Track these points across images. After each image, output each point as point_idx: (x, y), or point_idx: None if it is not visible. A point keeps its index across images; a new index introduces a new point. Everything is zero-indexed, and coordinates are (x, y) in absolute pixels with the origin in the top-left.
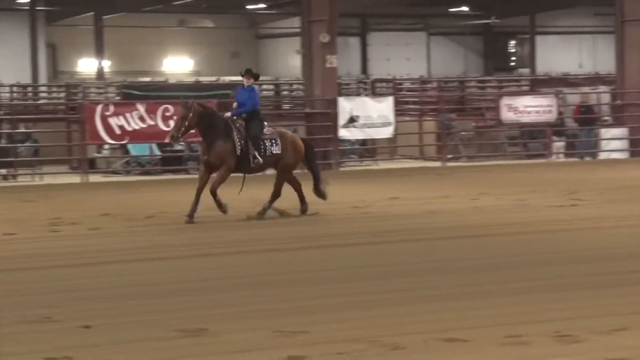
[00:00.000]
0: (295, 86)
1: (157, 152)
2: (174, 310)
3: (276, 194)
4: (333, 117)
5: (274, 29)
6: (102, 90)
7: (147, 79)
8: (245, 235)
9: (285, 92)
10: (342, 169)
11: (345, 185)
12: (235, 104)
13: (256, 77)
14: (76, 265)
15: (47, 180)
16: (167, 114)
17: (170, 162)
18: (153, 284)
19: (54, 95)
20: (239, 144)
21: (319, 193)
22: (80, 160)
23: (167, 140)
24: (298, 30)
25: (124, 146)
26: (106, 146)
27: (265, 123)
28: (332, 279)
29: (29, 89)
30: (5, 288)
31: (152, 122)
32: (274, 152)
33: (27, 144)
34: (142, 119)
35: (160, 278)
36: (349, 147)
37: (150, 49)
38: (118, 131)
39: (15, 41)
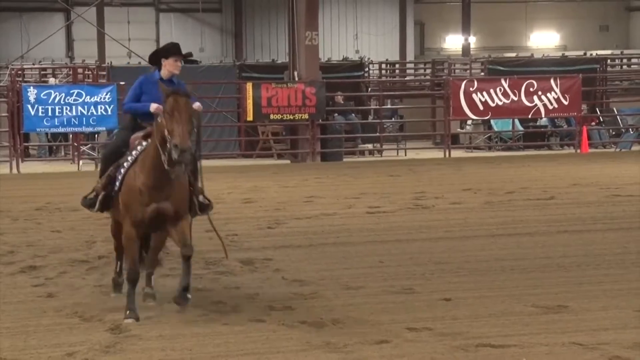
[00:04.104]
0: None
1: (519, 127)
2: (533, 286)
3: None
4: None
5: None
6: (467, 67)
7: (512, 55)
8: (601, 213)
9: None
10: None
11: None
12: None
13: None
14: (438, 238)
15: (410, 155)
16: (531, 89)
17: (533, 137)
18: (513, 259)
19: (420, 72)
20: None
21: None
22: (443, 136)
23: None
24: None
25: (486, 122)
26: (469, 122)
27: None
28: None
29: (397, 65)
30: (371, 259)
31: (515, 98)
32: None
33: (393, 119)
34: (505, 94)
35: (520, 253)
36: None
37: (516, 24)
38: (481, 107)
39: (385, 19)
